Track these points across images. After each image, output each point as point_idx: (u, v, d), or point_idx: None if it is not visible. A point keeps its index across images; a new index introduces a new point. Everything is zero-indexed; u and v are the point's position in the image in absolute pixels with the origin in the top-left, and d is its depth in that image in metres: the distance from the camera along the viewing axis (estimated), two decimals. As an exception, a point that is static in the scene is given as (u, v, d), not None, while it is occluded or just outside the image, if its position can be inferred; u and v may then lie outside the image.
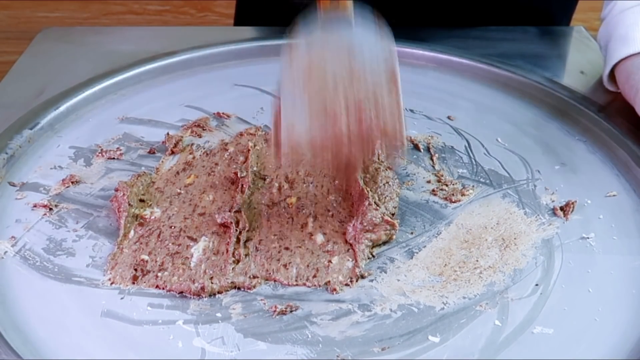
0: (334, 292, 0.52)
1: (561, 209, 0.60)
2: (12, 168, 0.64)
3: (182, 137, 0.69)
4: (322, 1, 0.50)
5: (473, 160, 0.67)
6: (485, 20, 0.92)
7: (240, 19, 1.05)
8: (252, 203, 0.59)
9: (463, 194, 0.62)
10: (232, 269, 0.53)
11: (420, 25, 0.91)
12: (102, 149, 0.67)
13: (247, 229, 0.56)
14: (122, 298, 0.51)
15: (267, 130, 0.70)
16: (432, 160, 0.67)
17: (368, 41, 0.49)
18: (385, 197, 0.59)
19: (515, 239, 0.57)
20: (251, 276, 0.52)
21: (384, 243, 0.56)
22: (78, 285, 0.52)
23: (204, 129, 0.71)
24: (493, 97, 0.77)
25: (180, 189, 0.62)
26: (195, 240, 0.56)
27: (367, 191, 0.56)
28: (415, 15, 0.93)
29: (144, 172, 0.63)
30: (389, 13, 0.95)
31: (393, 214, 0.59)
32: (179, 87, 0.78)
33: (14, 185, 0.62)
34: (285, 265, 0.53)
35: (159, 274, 0.53)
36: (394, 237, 0.57)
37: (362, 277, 0.53)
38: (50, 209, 0.59)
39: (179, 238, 0.56)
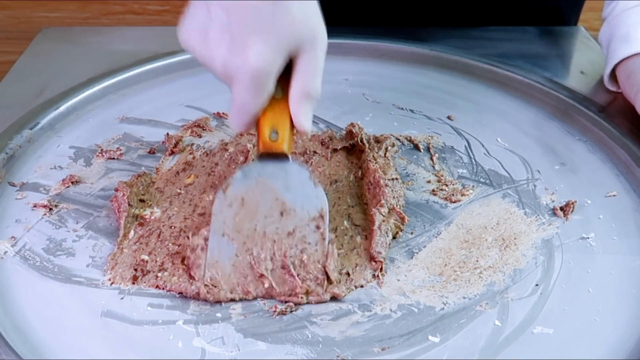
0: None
1: (561, 209, 0.60)
2: (12, 168, 0.64)
3: (182, 137, 0.69)
4: (260, 141, 0.51)
5: (473, 160, 0.67)
6: (494, 19, 0.92)
7: None
8: None
9: (463, 194, 0.62)
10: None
11: (420, 26, 0.91)
12: (102, 149, 0.67)
13: None
14: (122, 298, 0.51)
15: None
16: (432, 160, 0.67)
17: (301, 185, 0.53)
18: (394, 193, 0.59)
19: (515, 239, 0.57)
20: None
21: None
22: (78, 285, 0.52)
23: (204, 129, 0.71)
24: (493, 97, 0.77)
25: (180, 189, 0.62)
26: (195, 240, 0.56)
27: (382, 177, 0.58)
28: (417, 15, 0.93)
29: (144, 172, 0.63)
30: (390, 13, 0.95)
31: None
32: (179, 87, 0.78)
33: (14, 185, 0.62)
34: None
35: (159, 274, 0.53)
36: (400, 233, 0.57)
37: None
38: (50, 209, 0.59)
39: (179, 238, 0.56)
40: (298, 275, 0.51)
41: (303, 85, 0.50)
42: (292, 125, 0.51)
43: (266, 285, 0.51)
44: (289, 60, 0.49)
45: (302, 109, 0.50)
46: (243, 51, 0.46)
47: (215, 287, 0.51)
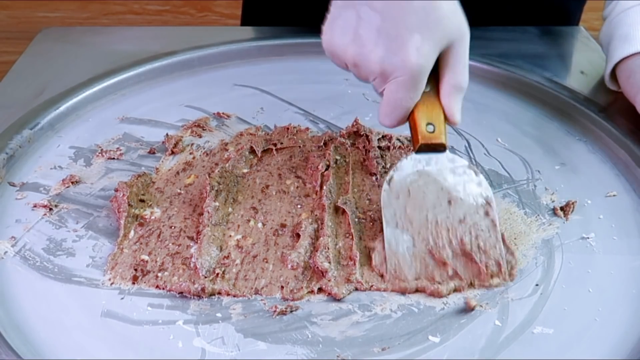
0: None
1: (561, 209, 0.60)
2: (12, 168, 0.64)
3: (182, 137, 0.69)
4: (418, 134, 0.54)
5: (473, 160, 0.67)
6: (499, 19, 0.92)
7: (247, 19, 1.05)
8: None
9: (463, 194, 0.61)
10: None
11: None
12: (102, 149, 0.67)
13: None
14: (122, 298, 0.51)
15: (266, 130, 0.70)
16: (432, 160, 0.67)
17: (462, 173, 0.55)
18: None
19: (515, 239, 0.57)
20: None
21: None
22: (78, 285, 0.52)
23: (204, 129, 0.71)
24: (493, 97, 0.77)
25: (180, 189, 0.62)
26: (195, 240, 0.56)
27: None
28: None
29: (144, 172, 0.63)
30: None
31: None
32: (179, 87, 0.78)
33: (14, 185, 0.62)
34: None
35: (159, 274, 0.53)
36: None
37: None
38: (50, 209, 0.59)
39: (179, 238, 0.56)
40: (480, 261, 0.53)
41: (455, 78, 0.53)
42: (445, 118, 0.54)
43: (450, 272, 0.52)
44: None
45: (454, 101, 0.53)
46: (402, 49, 0.49)
47: (399, 278, 0.52)
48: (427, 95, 0.53)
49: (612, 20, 0.74)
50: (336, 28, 0.52)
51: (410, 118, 0.54)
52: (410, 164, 0.54)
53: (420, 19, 0.49)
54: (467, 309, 0.50)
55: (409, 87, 0.51)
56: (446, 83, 0.53)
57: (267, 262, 0.54)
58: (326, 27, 0.53)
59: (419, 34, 0.49)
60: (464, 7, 0.53)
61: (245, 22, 1.05)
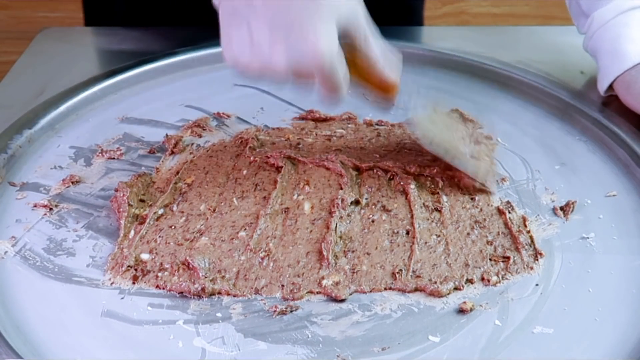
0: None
1: (561, 208, 0.60)
2: (12, 168, 0.64)
3: (182, 137, 0.69)
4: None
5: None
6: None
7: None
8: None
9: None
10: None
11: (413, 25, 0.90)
12: (102, 149, 0.67)
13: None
14: (122, 298, 0.51)
15: (266, 129, 0.70)
16: (432, 160, 0.67)
17: None
18: None
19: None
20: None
21: None
22: (78, 285, 0.52)
23: (204, 129, 0.71)
24: (493, 97, 0.77)
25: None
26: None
27: None
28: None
29: (144, 172, 0.63)
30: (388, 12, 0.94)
31: None
32: (179, 87, 0.78)
33: (14, 185, 0.62)
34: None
35: (159, 274, 0.53)
36: None
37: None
38: (51, 209, 0.59)
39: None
40: None
41: (374, 50, 0.54)
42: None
43: None
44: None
45: (387, 65, 0.55)
46: (304, 41, 0.48)
47: None
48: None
49: (591, 36, 0.72)
50: (235, 42, 0.51)
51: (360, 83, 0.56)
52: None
53: (308, 7, 0.48)
54: (464, 311, 0.50)
55: (332, 68, 0.49)
56: (371, 52, 0.53)
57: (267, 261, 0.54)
58: (225, 47, 0.52)
59: (312, 20, 0.48)
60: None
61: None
